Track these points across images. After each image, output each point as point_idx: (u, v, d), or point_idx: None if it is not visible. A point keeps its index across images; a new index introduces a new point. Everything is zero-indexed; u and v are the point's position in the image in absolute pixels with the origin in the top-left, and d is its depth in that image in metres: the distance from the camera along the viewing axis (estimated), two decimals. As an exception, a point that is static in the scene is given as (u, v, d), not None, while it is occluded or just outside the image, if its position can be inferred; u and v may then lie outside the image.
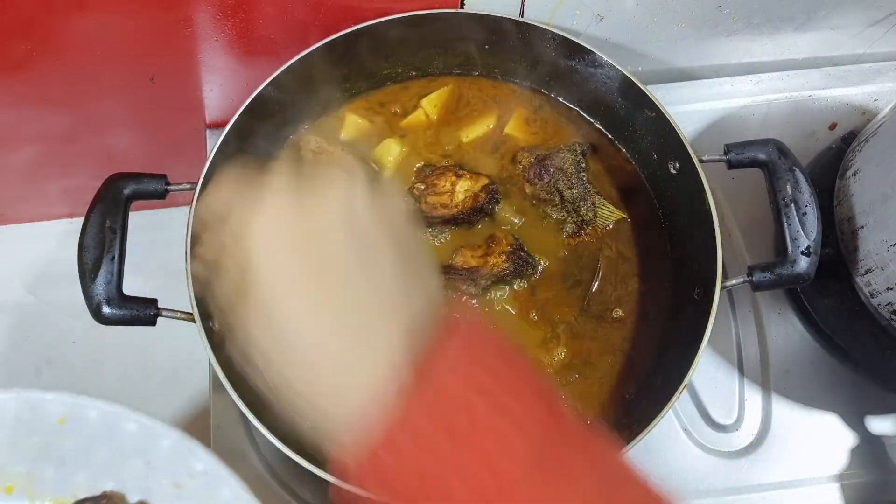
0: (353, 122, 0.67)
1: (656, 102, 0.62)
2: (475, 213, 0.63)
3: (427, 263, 0.30)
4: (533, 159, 0.65)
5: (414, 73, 0.69)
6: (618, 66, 0.63)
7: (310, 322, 0.26)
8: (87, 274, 0.52)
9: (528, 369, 0.30)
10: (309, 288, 0.27)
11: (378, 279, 0.27)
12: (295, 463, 0.51)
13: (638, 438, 0.53)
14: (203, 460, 0.48)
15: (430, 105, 0.67)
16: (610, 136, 0.68)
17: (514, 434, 0.27)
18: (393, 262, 0.28)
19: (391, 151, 0.66)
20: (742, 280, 0.56)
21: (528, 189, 0.65)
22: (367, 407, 0.26)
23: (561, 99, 0.69)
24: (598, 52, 0.64)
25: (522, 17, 0.66)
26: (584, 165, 0.64)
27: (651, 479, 0.30)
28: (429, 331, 0.28)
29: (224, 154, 0.59)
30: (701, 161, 0.59)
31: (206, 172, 0.58)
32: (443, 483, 0.27)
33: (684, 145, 0.60)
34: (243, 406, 0.52)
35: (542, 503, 0.27)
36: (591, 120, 0.69)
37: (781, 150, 0.58)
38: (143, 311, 0.53)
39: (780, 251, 0.56)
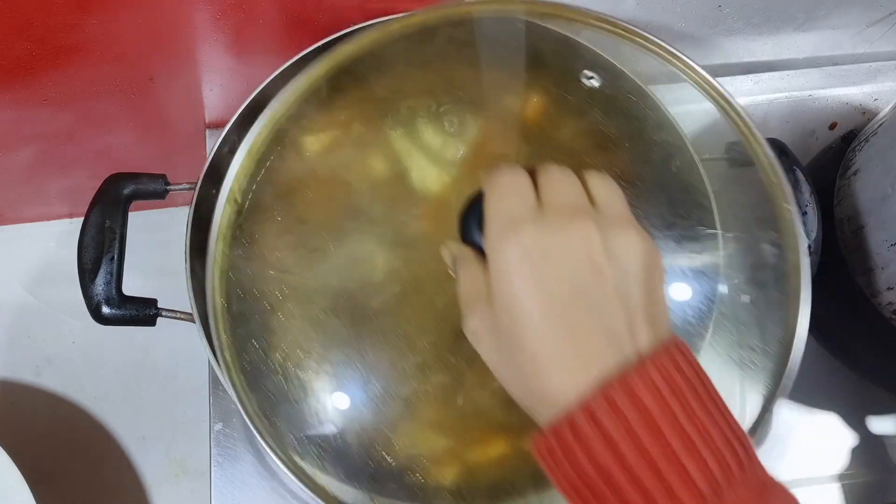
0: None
1: (657, 101, 0.62)
2: None
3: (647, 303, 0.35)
4: None
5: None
6: (618, 65, 0.63)
7: (543, 328, 0.33)
8: (86, 274, 0.52)
9: (725, 407, 0.34)
10: (546, 302, 0.33)
11: (599, 308, 0.33)
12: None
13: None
14: None
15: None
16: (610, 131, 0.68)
17: (697, 467, 0.31)
18: (613, 298, 0.34)
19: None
20: (742, 280, 0.56)
21: None
22: (570, 397, 0.32)
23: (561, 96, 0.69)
24: (597, 51, 0.63)
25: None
26: None
27: None
28: (637, 356, 0.33)
29: (223, 153, 0.59)
30: (701, 160, 0.59)
31: (206, 172, 0.58)
32: (611, 486, 0.31)
33: (685, 144, 0.60)
34: (241, 406, 0.51)
35: None
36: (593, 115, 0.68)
37: (781, 149, 0.57)
38: (143, 311, 0.53)
39: (781, 251, 0.56)
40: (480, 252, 0.38)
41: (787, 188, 0.54)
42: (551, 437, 0.32)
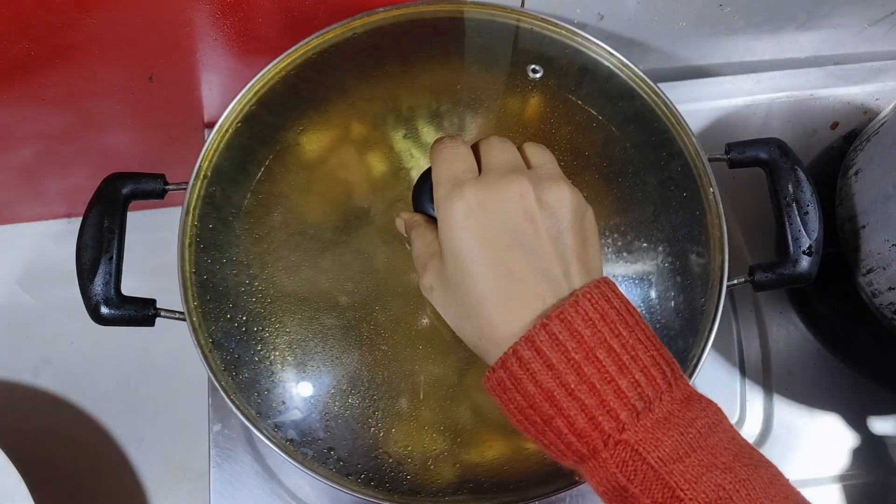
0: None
1: (657, 101, 0.61)
2: None
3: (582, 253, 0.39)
4: None
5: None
6: (617, 65, 0.63)
7: (487, 273, 0.38)
8: (85, 274, 0.52)
9: (652, 334, 0.37)
10: (487, 250, 0.38)
11: (536, 252, 0.38)
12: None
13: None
14: None
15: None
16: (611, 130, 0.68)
17: (629, 383, 0.35)
18: (548, 243, 0.38)
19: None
20: (743, 280, 0.56)
21: None
22: (515, 335, 0.37)
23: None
24: (597, 51, 0.63)
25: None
26: None
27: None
28: (572, 294, 0.37)
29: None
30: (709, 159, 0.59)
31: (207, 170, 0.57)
32: (555, 407, 0.35)
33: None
34: (237, 410, 0.51)
35: (646, 448, 0.34)
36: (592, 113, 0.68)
37: (783, 149, 0.57)
38: (142, 312, 0.53)
39: (782, 251, 0.55)
40: (431, 220, 0.42)
41: (711, 174, 0.57)
42: (500, 370, 0.37)
